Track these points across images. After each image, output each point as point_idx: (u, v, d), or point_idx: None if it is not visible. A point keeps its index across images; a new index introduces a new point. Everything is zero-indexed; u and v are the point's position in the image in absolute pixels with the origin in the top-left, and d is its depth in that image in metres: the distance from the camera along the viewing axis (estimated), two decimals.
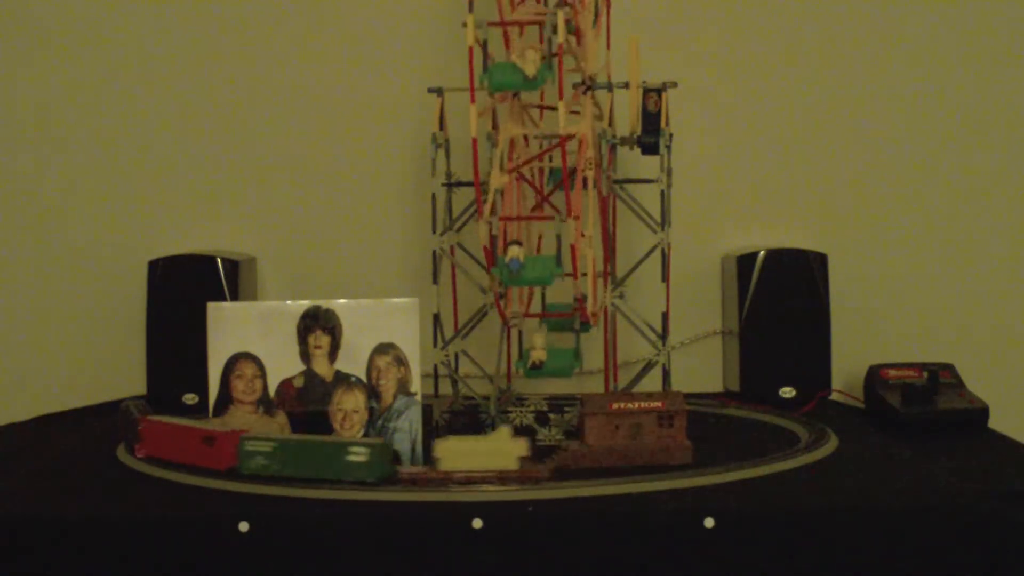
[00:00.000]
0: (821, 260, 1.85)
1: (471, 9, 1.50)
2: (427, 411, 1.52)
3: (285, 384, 1.44)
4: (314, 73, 1.95)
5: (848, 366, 1.88)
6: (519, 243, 1.45)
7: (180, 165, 1.96)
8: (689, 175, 1.88)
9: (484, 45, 1.49)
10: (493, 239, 1.43)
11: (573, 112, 1.56)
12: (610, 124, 1.57)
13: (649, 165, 1.63)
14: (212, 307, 1.45)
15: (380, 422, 1.44)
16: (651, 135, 1.57)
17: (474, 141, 1.44)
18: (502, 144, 1.52)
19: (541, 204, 1.68)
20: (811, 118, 1.95)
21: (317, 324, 1.44)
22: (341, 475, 1.32)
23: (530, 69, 1.40)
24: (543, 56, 1.41)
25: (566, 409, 1.55)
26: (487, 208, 1.45)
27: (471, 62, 1.45)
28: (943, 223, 1.95)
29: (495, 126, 1.65)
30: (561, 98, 1.43)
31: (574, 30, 1.52)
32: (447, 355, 1.59)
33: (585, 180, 1.49)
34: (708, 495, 1.30)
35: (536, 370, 1.50)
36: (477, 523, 1.23)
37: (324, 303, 1.45)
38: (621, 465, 1.41)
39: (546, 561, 1.24)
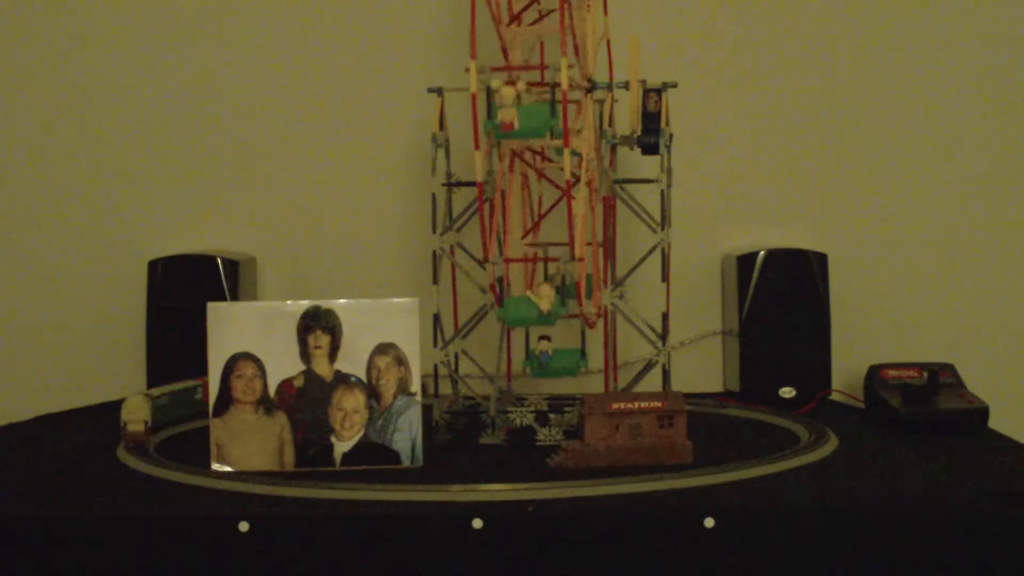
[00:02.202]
0: (821, 260, 1.85)
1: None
2: (427, 411, 1.52)
3: (285, 384, 1.44)
4: (314, 73, 1.95)
5: (848, 366, 1.88)
6: (548, 338, 1.52)
7: (180, 165, 1.96)
8: (689, 175, 1.88)
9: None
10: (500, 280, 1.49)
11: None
12: (610, 124, 1.57)
13: (649, 165, 1.63)
14: (212, 307, 1.45)
15: (380, 422, 1.44)
16: (651, 135, 1.57)
17: (473, 96, 1.45)
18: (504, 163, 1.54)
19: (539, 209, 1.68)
20: (811, 118, 1.95)
21: (317, 324, 1.44)
22: None
23: (545, 305, 1.46)
24: (557, 288, 1.48)
25: (566, 409, 1.55)
26: (492, 249, 1.48)
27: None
28: (943, 223, 1.95)
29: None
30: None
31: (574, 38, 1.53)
32: (447, 355, 1.59)
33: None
34: (708, 495, 1.30)
35: (543, 369, 1.51)
36: (477, 523, 1.23)
37: (324, 303, 1.45)
38: (621, 465, 1.41)
39: (546, 561, 1.24)
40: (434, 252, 1.58)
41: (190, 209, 1.96)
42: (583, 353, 1.57)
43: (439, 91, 1.59)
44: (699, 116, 1.92)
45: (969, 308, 1.95)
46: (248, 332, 1.44)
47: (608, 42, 1.66)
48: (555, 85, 1.46)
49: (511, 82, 1.45)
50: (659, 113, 1.57)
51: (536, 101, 1.55)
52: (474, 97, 1.45)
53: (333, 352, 1.44)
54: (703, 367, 1.94)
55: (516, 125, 1.45)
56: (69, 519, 1.26)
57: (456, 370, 1.62)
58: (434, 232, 1.58)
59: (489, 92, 1.45)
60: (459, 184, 1.62)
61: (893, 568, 1.24)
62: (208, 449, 1.43)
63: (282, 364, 1.44)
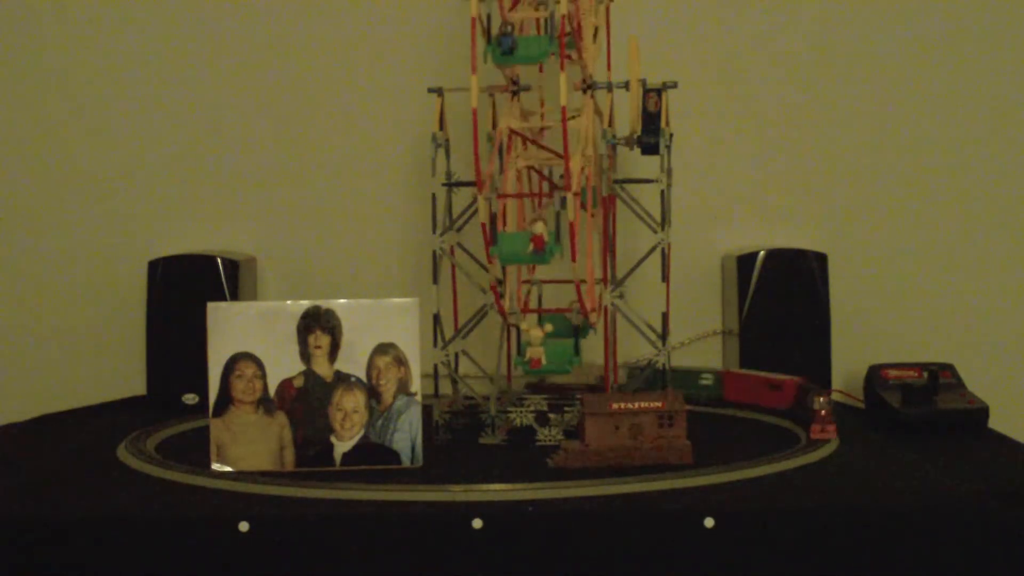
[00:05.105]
0: (821, 260, 1.85)
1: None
2: (427, 411, 1.52)
3: (285, 384, 1.44)
4: (314, 73, 1.95)
5: (848, 366, 1.88)
6: (543, 220, 1.50)
7: (180, 165, 1.96)
8: (689, 175, 1.88)
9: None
10: (492, 215, 1.47)
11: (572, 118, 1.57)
12: (610, 124, 1.57)
13: (649, 165, 1.63)
14: (212, 307, 1.45)
15: (380, 422, 1.44)
16: (651, 135, 1.57)
17: (474, 111, 1.46)
18: (501, 135, 1.53)
19: (541, 200, 1.68)
20: (811, 118, 1.95)
21: (317, 324, 1.44)
22: None
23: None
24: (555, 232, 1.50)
25: (566, 409, 1.55)
26: (487, 184, 1.47)
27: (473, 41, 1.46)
28: (943, 223, 1.95)
29: (495, 126, 1.65)
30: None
31: (574, 27, 1.52)
32: (447, 355, 1.59)
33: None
34: (708, 495, 1.30)
35: (535, 369, 1.51)
36: (477, 523, 1.23)
37: (324, 303, 1.45)
38: (621, 465, 1.41)
39: (546, 561, 1.24)
40: (434, 252, 1.58)
41: (190, 209, 1.96)
42: (577, 349, 1.55)
43: (439, 91, 1.59)
44: (699, 116, 1.92)
45: (969, 308, 1.95)
46: (248, 332, 1.44)
47: (608, 42, 1.66)
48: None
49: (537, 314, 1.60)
50: (659, 113, 1.57)
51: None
52: (475, 112, 1.45)
53: (333, 352, 1.44)
54: (703, 367, 1.94)
55: (544, 362, 1.50)
56: (69, 519, 1.26)
57: (456, 370, 1.62)
58: (434, 232, 1.58)
59: (519, 331, 1.53)
60: (459, 184, 1.62)
61: (893, 568, 1.24)
62: (208, 449, 1.43)
63: (282, 364, 1.44)
